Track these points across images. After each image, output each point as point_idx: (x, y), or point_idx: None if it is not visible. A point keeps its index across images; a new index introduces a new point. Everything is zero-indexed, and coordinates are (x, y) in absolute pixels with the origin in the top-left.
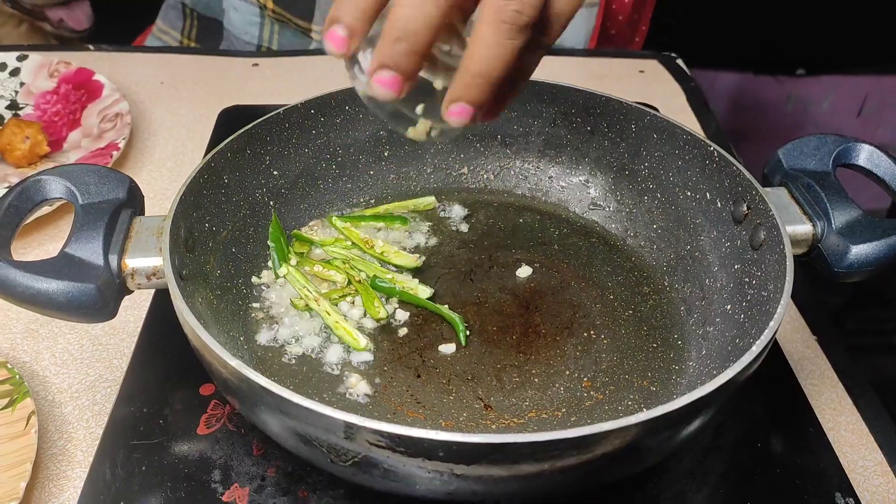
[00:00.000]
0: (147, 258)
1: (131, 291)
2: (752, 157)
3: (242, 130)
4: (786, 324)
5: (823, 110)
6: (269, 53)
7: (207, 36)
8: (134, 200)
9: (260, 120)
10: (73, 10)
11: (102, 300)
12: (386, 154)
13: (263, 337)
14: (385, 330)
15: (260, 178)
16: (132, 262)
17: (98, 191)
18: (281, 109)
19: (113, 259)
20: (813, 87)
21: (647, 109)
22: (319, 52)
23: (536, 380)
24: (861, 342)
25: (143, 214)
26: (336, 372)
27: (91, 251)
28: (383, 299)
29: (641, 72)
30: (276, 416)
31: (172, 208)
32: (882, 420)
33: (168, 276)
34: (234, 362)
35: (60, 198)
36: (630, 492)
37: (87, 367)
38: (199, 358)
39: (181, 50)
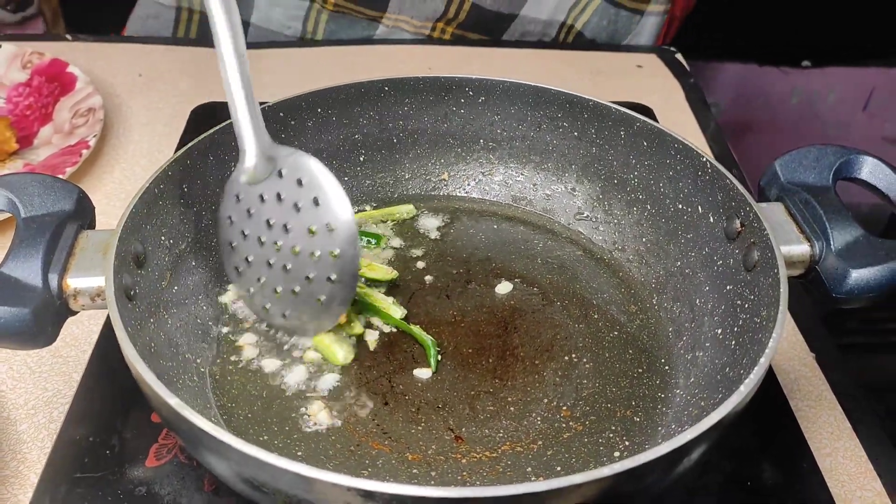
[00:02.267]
0: (91, 277)
1: (75, 313)
2: (755, 152)
3: (204, 136)
4: (781, 341)
5: (829, 103)
6: (259, 45)
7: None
8: (82, 213)
9: (223, 124)
10: (25, 29)
11: (38, 326)
12: (361, 159)
13: (222, 358)
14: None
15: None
16: (74, 282)
17: (42, 202)
18: None
19: (53, 279)
20: (818, 79)
21: (637, 115)
22: (308, 43)
23: (512, 408)
24: (860, 341)
25: (94, 227)
26: (298, 397)
27: (29, 270)
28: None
29: (639, 66)
30: (219, 460)
31: (121, 223)
32: (882, 446)
33: (109, 299)
34: (174, 401)
35: (1, 210)
36: None
37: (44, 382)
38: (142, 391)
39: (162, 41)
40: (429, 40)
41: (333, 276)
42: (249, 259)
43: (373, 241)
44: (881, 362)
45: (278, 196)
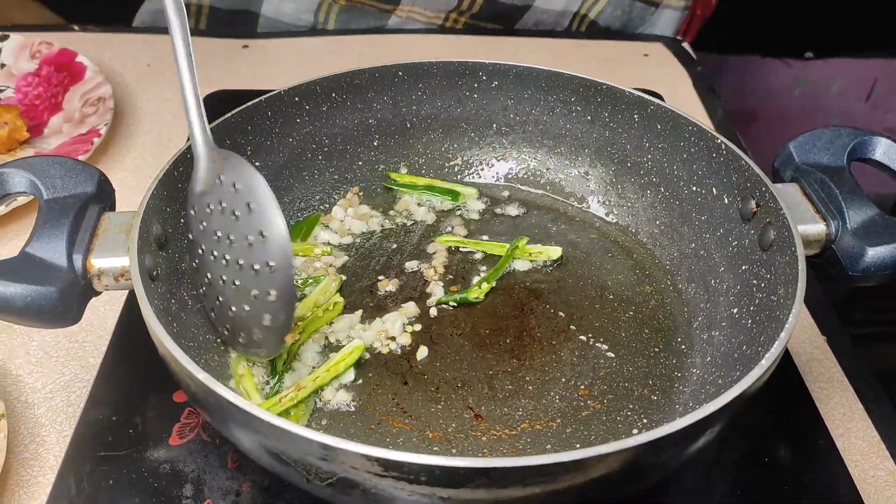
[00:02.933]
0: (115, 258)
1: (99, 293)
2: (758, 142)
3: (221, 120)
4: None
5: (832, 94)
6: (269, 35)
7: (227, 25)
8: (103, 195)
9: (240, 109)
10: None
11: (64, 304)
12: (375, 143)
13: None
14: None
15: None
16: (98, 263)
17: (64, 185)
18: (263, 97)
19: (77, 259)
20: (821, 70)
21: (651, 98)
22: (318, 32)
23: (530, 387)
24: (870, 331)
25: (114, 209)
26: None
27: (54, 251)
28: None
29: (646, 55)
30: (246, 433)
31: (143, 204)
32: (894, 426)
33: (135, 278)
34: (202, 375)
35: (23, 192)
36: None
37: (61, 367)
38: (168, 367)
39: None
40: (439, 29)
41: (272, 293)
42: (208, 277)
43: (448, 198)
44: (892, 351)
45: (220, 204)
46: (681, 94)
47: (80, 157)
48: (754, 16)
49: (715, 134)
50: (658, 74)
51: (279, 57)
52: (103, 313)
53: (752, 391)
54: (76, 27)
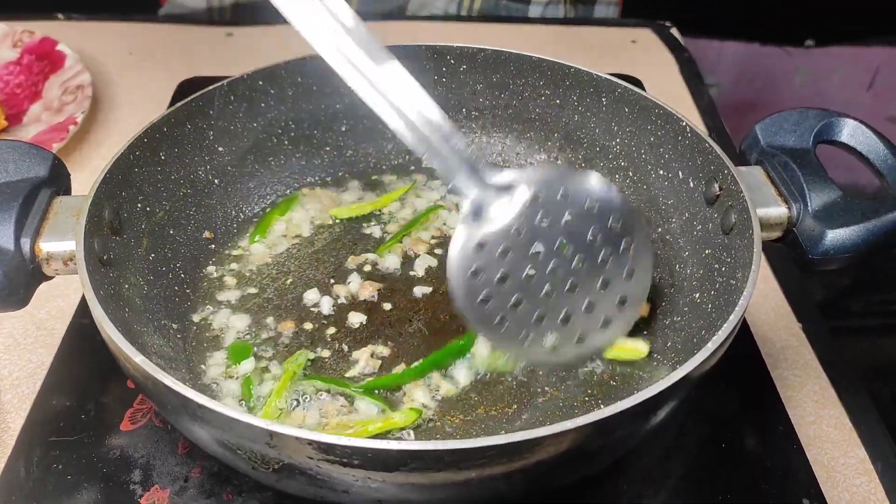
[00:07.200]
0: (64, 242)
1: (50, 277)
2: None
3: (181, 104)
4: (769, 311)
5: (833, 83)
6: (246, 22)
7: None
8: (57, 179)
9: (200, 92)
10: None
11: (10, 287)
12: (343, 129)
13: (201, 326)
14: (338, 322)
15: (203, 155)
16: (47, 247)
17: (17, 168)
18: (225, 81)
19: (25, 243)
20: (822, 58)
21: (619, 81)
22: None
23: (488, 374)
24: (849, 322)
25: (69, 194)
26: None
27: (1, 234)
28: None
29: (633, 42)
30: (187, 419)
31: (94, 187)
32: (867, 413)
33: (79, 261)
34: (139, 358)
35: None
36: (583, 491)
37: (29, 354)
38: (109, 351)
39: (153, 19)
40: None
41: (629, 268)
42: (517, 301)
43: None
44: (870, 342)
45: (541, 221)
46: (668, 81)
47: (56, 145)
48: (753, 2)
49: (680, 117)
50: (645, 61)
51: (261, 44)
52: (73, 301)
53: (699, 373)
54: (60, 16)
